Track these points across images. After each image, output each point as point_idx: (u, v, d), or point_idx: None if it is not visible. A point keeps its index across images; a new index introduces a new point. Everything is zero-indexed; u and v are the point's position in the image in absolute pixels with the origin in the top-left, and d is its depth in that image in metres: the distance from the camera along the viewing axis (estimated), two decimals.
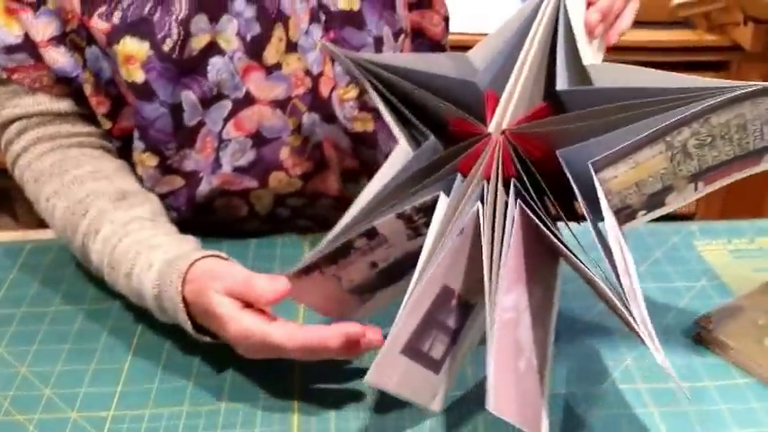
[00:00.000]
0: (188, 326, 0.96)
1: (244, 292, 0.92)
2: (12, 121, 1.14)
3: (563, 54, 0.95)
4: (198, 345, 1.03)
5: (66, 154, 1.14)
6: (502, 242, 0.82)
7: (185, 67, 1.09)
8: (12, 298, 1.14)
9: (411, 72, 0.93)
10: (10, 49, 1.08)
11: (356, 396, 0.98)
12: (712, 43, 2.46)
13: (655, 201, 0.91)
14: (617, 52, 2.34)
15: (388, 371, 0.83)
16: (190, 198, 1.20)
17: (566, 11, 0.96)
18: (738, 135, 0.88)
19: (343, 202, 1.26)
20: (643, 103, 0.84)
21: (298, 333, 0.89)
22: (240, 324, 0.91)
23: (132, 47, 1.06)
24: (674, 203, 0.92)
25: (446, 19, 1.37)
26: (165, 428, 0.93)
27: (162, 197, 1.19)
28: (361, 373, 1.00)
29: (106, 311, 1.11)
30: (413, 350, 0.84)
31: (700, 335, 1.04)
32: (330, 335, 0.88)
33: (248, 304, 0.93)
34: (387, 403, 0.96)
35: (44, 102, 1.13)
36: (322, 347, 0.89)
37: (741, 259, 1.21)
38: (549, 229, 0.83)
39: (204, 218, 1.24)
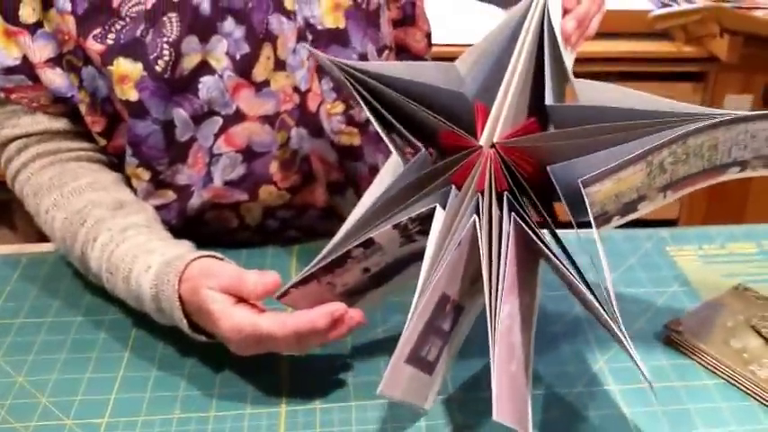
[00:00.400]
0: (183, 324, 0.98)
1: (236, 288, 0.94)
2: (11, 140, 1.15)
3: (549, 67, 0.96)
4: (189, 353, 1.05)
5: (64, 167, 1.15)
6: (499, 254, 0.86)
7: (177, 85, 1.11)
8: (9, 309, 1.15)
9: (399, 81, 0.95)
10: (8, 71, 1.10)
11: (340, 393, 1.00)
12: (690, 54, 2.49)
13: (629, 207, 0.94)
14: (598, 63, 2.39)
15: (396, 381, 0.86)
16: (182, 211, 1.22)
17: (550, 22, 0.97)
18: (709, 153, 0.92)
19: (330, 214, 1.28)
20: (630, 125, 0.87)
21: (287, 320, 0.91)
22: (231, 319, 0.93)
23: (126, 67, 1.07)
24: (644, 209, 0.95)
25: (428, 35, 1.39)
26: None
27: (155, 210, 1.21)
28: (344, 369, 1.04)
29: (100, 322, 1.12)
30: (414, 358, 0.87)
31: (670, 337, 1.07)
32: (316, 316, 0.91)
33: (241, 300, 0.95)
34: (369, 398, 0.99)
35: (43, 121, 1.15)
36: (311, 330, 0.91)
37: (711, 264, 1.23)
38: (543, 242, 0.86)
39: (196, 230, 1.24)
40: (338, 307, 0.92)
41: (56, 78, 1.11)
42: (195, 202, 1.21)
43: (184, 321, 0.98)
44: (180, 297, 0.98)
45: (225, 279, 0.95)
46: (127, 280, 1.03)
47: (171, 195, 1.21)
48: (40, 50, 1.09)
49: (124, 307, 1.11)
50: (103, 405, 0.99)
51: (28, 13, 1.07)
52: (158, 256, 1.02)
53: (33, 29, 1.09)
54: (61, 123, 1.16)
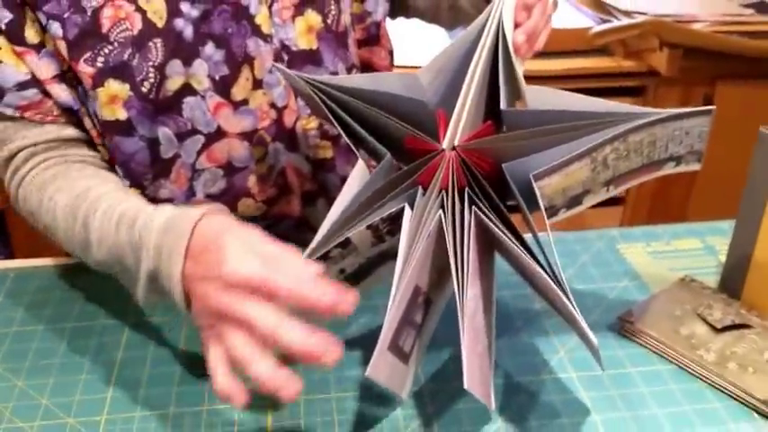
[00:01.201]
0: (177, 257, 0.91)
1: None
2: (20, 150, 1.16)
3: (503, 78, 1.03)
4: (179, 353, 1.10)
5: (70, 166, 1.16)
6: (462, 244, 0.92)
7: (162, 106, 1.14)
8: (2, 319, 1.18)
9: (364, 92, 1.00)
10: (21, 86, 1.11)
11: (322, 385, 1.04)
12: (630, 69, 2.50)
13: (574, 200, 1.01)
14: (540, 81, 2.42)
15: (381, 366, 0.90)
16: None
17: (504, 38, 1.03)
18: (648, 149, 0.99)
19: (303, 224, 1.33)
20: (576, 125, 0.95)
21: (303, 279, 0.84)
22: (242, 262, 0.86)
23: (115, 88, 1.11)
24: (589, 202, 1.03)
25: (391, 52, 1.44)
26: (155, 429, 0.99)
27: None
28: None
29: (90, 328, 1.16)
30: (394, 346, 0.92)
31: (623, 327, 1.13)
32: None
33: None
34: (349, 390, 1.04)
35: (52, 131, 1.16)
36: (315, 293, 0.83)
37: (658, 260, 1.30)
38: (503, 232, 0.92)
39: None
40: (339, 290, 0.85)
41: (61, 93, 1.13)
42: None
43: (181, 257, 0.91)
44: (194, 227, 0.92)
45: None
46: (132, 223, 0.98)
47: None
48: (46, 68, 1.12)
49: (115, 312, 1.15)
50: (101, 403, 1.02)
51: (32, 34, 1.10)
52: (170, 208, 0.99)
53: (38, 48, 1.11)
54: (70, 131, 1.17)
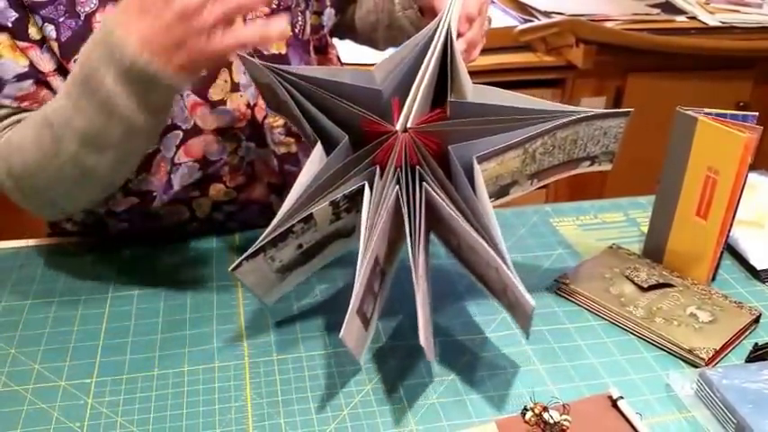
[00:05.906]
0: (118, 26, 0.95)
1: None
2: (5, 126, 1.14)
3: (450, 75, 1.07)
4: (159, 321, 1.12)
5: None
6: (415, 214, 0.95)
7: None
8: None
9: (321, 81, 1.02)
10: (19, 78, 1.11)
11: (292, 346, 1.07)
12: (550, 63, 2.55)
13: (503, 190, 1.05)
14: (473, 75, 2.45)
15: (351, 330, 0.92)
16: (143, 212, 1.26)
17: (453, 41, 1.06)
18: (569, 147, 1.04)
19: (267, 210, 1.35)
20: (515, 118, 0.99)
21: None
22: None
23: None
24: (514, 194, 1.07)
25: (338, 57, 1.49)
26: (141, 389, 1.00)
27: (119, 214, 1.26)
28: (293, 327, 1.11)
29: (76, 302, 1.17)
30: (360, 312, 0.94)
31: (560, 289, 1.17)
32: None
33: None
34: (317, 350, 1.06)
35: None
36: None
37: (587, 231, 1.35)
38: (447, 205, 0.95)
39: (151, 223, 1.30)
40: None
41: (61, 85, 1.11)
42: (156, 204, 1.25)
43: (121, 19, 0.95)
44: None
45: None
46: (75, 68, 1.02)
47: (134, 200, 1.24)
48: (48, 62, 1.12)
49: (96, 286, 1.17)
50: (90, 367, 1.04)
51: (35, 31, 1.10)
52: None
53: (40, 44, 1.11)
54: None
